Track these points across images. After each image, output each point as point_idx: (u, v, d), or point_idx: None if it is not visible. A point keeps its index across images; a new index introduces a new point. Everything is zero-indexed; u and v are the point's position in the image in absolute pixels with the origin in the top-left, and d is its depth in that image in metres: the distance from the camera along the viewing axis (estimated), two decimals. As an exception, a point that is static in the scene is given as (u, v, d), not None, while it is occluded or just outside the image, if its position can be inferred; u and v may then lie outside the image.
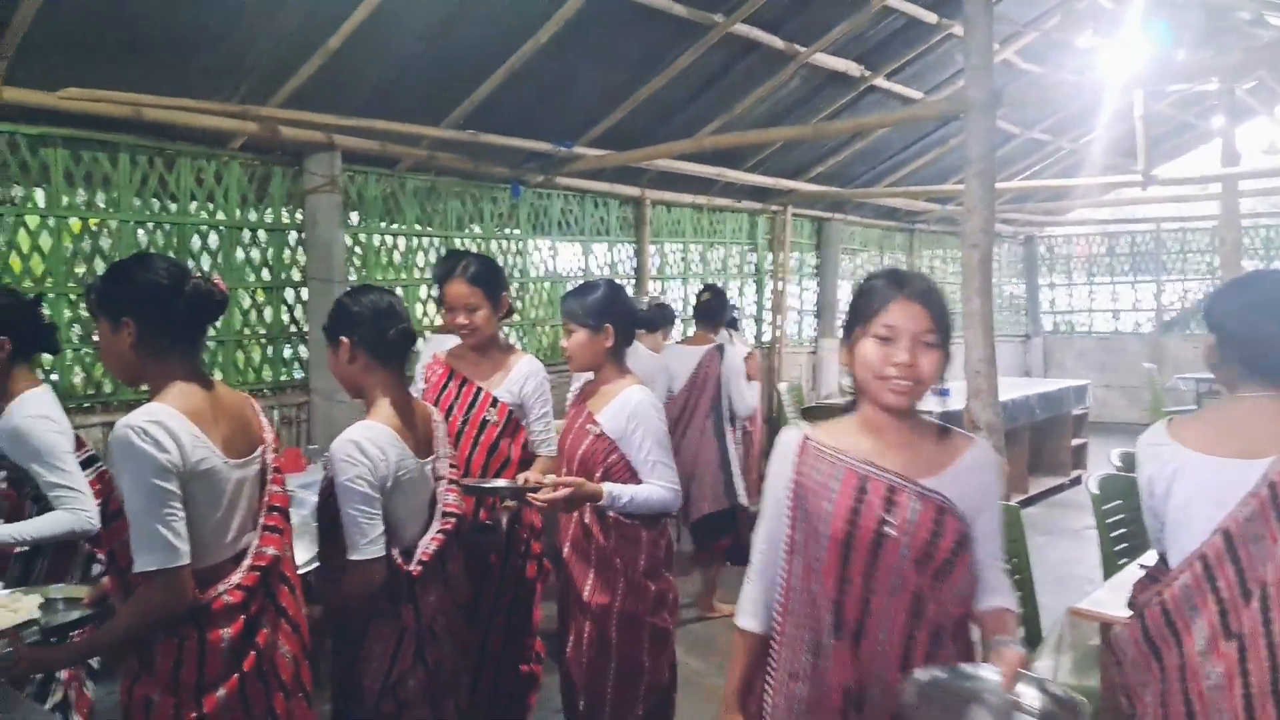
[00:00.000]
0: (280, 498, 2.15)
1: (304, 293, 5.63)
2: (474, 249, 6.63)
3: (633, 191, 7.73)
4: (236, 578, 2.00)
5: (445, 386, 3.13)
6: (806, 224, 9.92)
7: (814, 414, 7.15)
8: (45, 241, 4.50)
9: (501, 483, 2.92)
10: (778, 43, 6.33)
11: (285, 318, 5.59)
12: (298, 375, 5.64)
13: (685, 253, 8.57)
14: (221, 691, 1.96)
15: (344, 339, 2.41)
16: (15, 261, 4.41)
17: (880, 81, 7.45)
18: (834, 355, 10.13)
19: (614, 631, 2.78)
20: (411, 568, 2.37)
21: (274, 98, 4.98)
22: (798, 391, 8.81)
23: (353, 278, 5.78)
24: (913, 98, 7.96)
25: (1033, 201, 11.47)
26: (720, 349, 5.37)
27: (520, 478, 2.95)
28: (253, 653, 2.01)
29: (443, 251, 6.46)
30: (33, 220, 4.45)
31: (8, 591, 2.38)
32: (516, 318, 7.02)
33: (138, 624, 1.92)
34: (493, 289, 3.11)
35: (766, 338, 9.46)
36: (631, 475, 2.80)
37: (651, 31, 5.72)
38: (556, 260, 7.39)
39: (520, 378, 3.15)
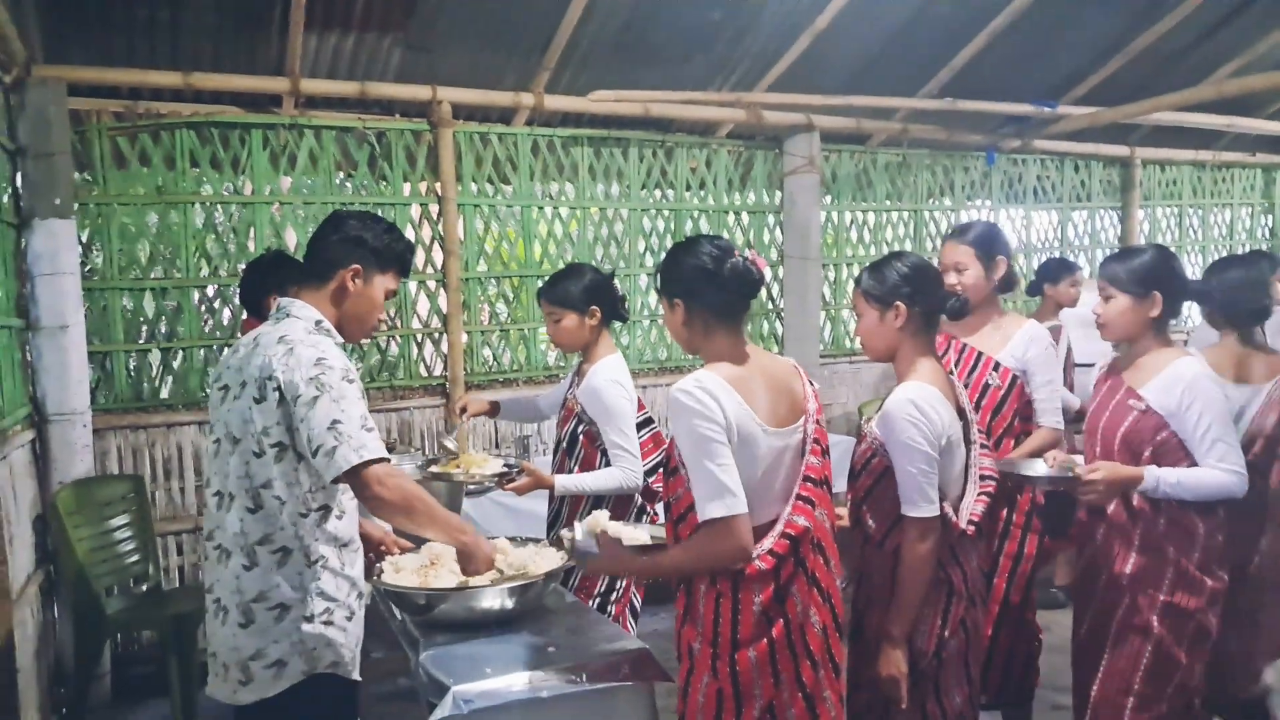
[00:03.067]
0: (816, 469, 2.15)
1: (780, 271, 5.86)
2: (942, 221, 6.46)
3: (1120, 151, 6.99)
4: (768, 544, 2.05)
5: (944, 354, 3.07)
6: (1341, 178, 8.28)
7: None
8: (573, 228, 5.16)
9: (1040, 469, 2.76)
10: (1325, -40, 5.32)
11: (763, 294, 5.86)
12: (773, 351, 5.89)
13: (1181, 218, 7.58)
14: (752, 653, 2.04)
15: (900, 304, 2.39)
16: (551, 246, 5.11)
17: None
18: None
19: (1157, 621, 2.56)
20: (965, 526, 2.35)
21: (760, 84, 5.22)
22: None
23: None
24: None
25: None
26: None
27: (1048, 456, 2.81)
28: (781, 620, 2.06)
29: (911, 226, 6.37)
30: (564, 211, 5.13)
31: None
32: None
33: (694, 561, 2.06)
34: (985, 251, 3.05)
35: (1283, 314, 8.07)
36: (1185, 455, 2.55)
37: (1162, -32, 5.11)
38: (1030, 230, 6.93)
39: (1023, 342, 3.03)
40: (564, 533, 2.54)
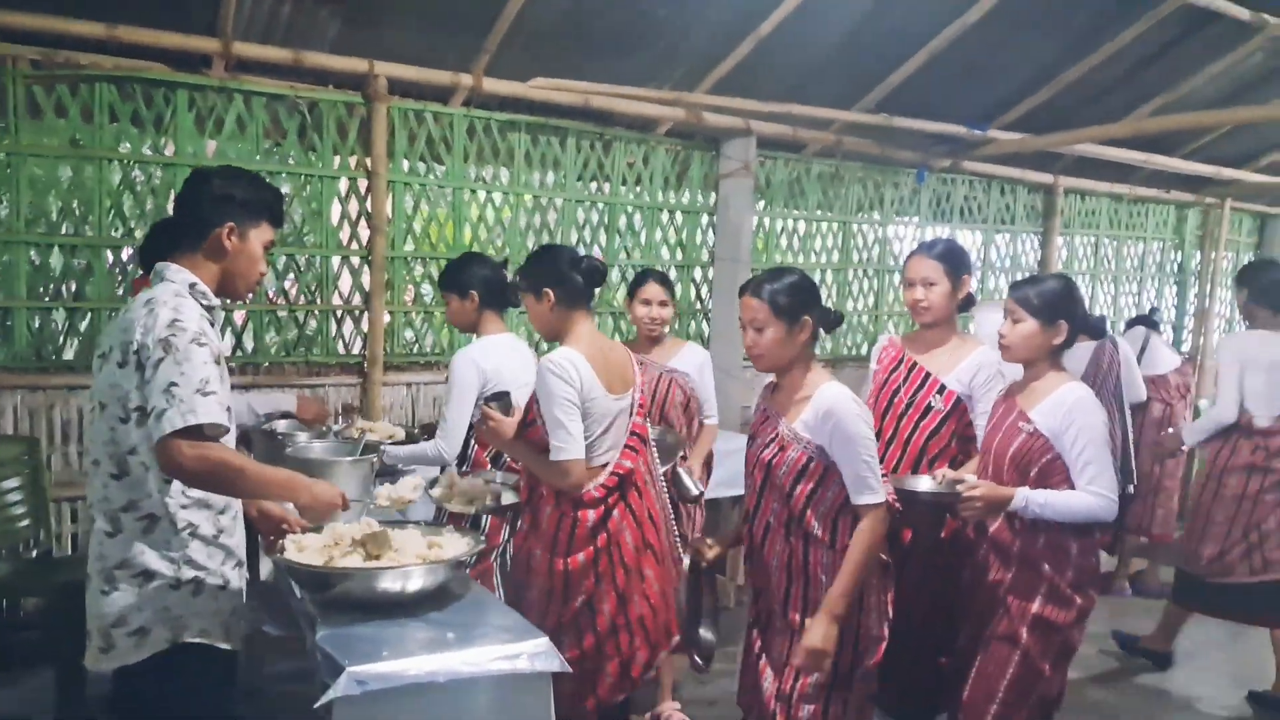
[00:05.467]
0: (641, 427, 2.83)
1: (710, 272, 5.90)
2: (871, 235, 6.60)
3: (1044, 178, 7.23)
4: (601, 478, 2.70)
5: (896, 368, 3.14)
6: (1247, 220, 8.71)
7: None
8: (505, 214, 5.12)
9: (924, 486, 2.87)
10: (1242, 13, 5.56)
11: (692, 295, 5.90)
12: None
13: (1097, 247, 7.87)
14: (581, 557, 2.67)
15: (808, 318, 2.51)
16: (482, 230, 5.06)
17: (1370, 52, 6.30)
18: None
19: (1025, 633, 2.69)
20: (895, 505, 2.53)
21: (700, 85, 5.25)
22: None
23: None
24: None
25: None
26: (1114, 340, 5.03)
27: (938, 474, 2.91)
28: (604, 534, 2.69)
29: (840, 237, 6.48)
30: (497, 196, 5.08)
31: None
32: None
33: (544, 476, 2.70)
34: (955, 268, 3.06)
35: (1186, 347, 8.44)
36: (1069, 477, 2.69)
37: (1094, 6, 5.29)
38: (954, 250, 7.11)
39: (972, 367, 3.05)
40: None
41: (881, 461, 3.07)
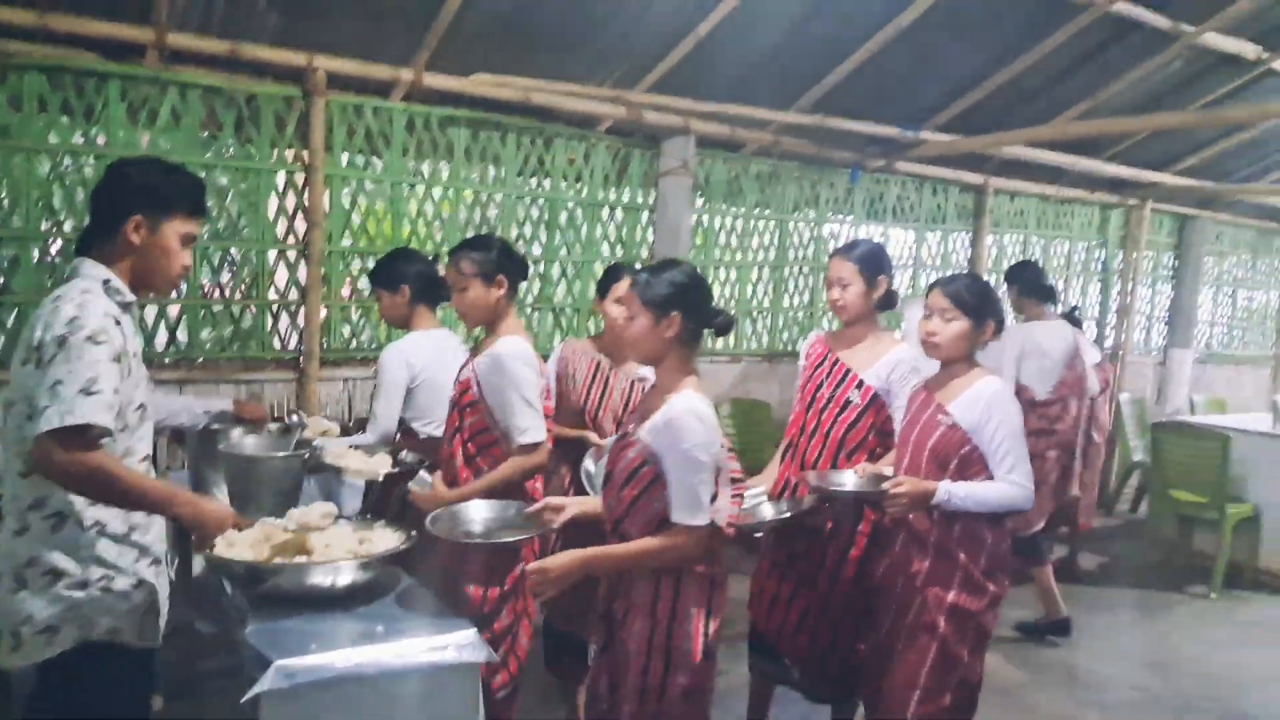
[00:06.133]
0: (549, 408, 3.03)
1: (649, 267, 5.97)
2: (807, 233, 6.73)
3: (974, 179, 7.42)
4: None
5: (821, 364, 3.26)
6: (1167, 220, 9.01)
7: (1163, 431, 6.57)
8: (445, 209, 5.14)
9: (848, 485, 3.02)
10: (1162, 22, 5.78)
11: (631, 290, 5.96)
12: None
13: (1025, 246, 8.10)
14: None
15: (675, 314, 2.35)
16: (421, 225, 5.07)
17: (1281, 64, 6.59)
18: (1184, 368, 9.23)
19: (943, 621, 2.82)
20: (726, 529, 2.45)
21: (641, 83, 5.31)
22: (1140, 405, 8.11)
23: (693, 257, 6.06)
24: (1320, 82, 6.96)
25: None
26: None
27: (860, 469, 3.03)
28: None
29: (777, 235, 6.60)
30: (436, 191, 5.10)
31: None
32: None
33: (511, 475, 2.80)
34: (869, 270, 3.19)
35: (1109, 343, 8.74)
36: (986, 468, 2.83)
37: (1020, 13, 5.46)
38: (887, 247, 7.26)
39: (889, 364, 3.18)
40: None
41: (804, 454, 3.22)
